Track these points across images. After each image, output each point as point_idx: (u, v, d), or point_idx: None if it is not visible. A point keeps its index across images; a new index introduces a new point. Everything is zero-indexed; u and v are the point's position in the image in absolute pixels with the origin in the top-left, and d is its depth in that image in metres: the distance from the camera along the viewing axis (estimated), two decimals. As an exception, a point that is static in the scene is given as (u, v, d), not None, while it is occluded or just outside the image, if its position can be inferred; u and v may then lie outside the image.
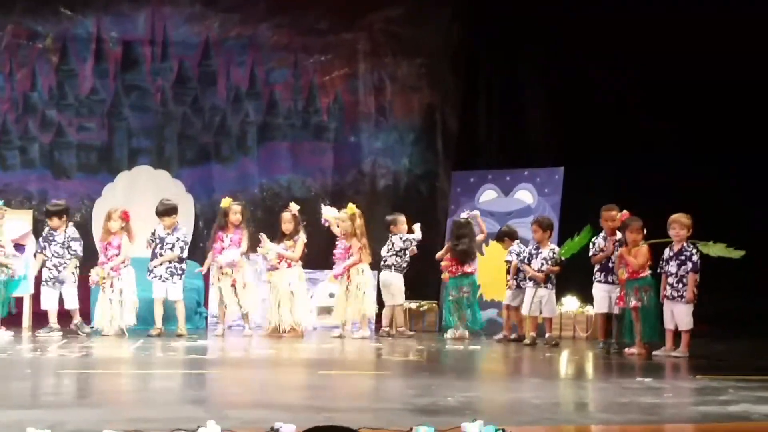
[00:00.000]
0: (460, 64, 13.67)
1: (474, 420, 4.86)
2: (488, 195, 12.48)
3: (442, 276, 11.17)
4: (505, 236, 11.11)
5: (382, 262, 11.24)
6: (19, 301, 11.25)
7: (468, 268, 10.98)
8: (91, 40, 13.10)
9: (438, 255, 11.19)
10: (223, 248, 10.65)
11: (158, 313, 10.60)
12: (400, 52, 13.68)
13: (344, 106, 13.65)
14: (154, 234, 10.71)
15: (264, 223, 12.43)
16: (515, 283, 10.86)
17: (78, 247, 10.46)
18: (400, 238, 11.24)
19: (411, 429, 4.79)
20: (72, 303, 10.46)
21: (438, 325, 12.01)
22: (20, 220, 11.50)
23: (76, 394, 6.68)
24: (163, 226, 10.68)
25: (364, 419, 5.12)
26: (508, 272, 10.97)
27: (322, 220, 10.89)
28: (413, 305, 12.11)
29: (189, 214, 12.84)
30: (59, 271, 10.38)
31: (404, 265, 11.26)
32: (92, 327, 10.38)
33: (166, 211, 10.69)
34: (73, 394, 6.62)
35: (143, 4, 13.20)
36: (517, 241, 11.04)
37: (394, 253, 11.23)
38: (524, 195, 12.26)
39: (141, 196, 12.49)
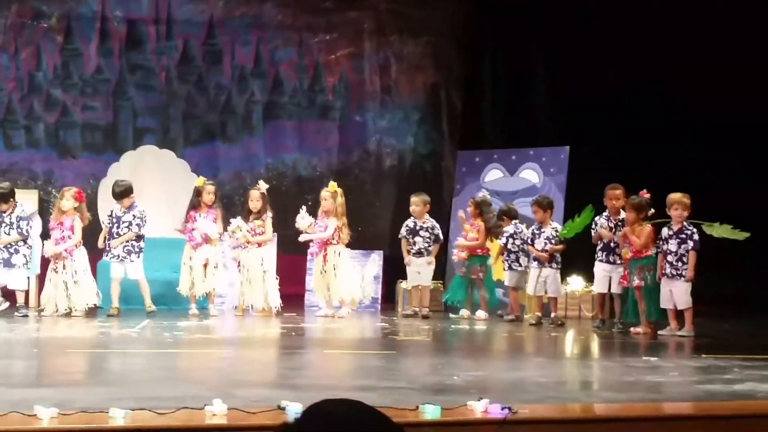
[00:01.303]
0: (466, 43, 13.60)
1: (480, 399, 4.88)
2: (494, 174, 12.45)
3: (460, 254, 11.08)
4: (504, 215, 11.04)
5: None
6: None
7: (487, 248, 11.03)
8: (96, 20, 13.04)
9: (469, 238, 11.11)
10: (194, 228, 10.63)
11: (115, 293, 10.48)
12: (406, 31, 13.61)
13: (350, 85, 13.60)
14: (111, 214, 10.64)
15: (270, 202, 12.41)
16: (507, 265, 10.84)
17: (25, 226, 10.40)
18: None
19: (417, 407, 4.80)
20: (18, 284, 10.37)
21: (444, 304, 11.99)
22: (26, 201, 11.51)
23: (83, 372, 6.71)
24: (121, 206, 10.63)
25: (370, 398, 5.13)
26: (502, 253, 10.94)
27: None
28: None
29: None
30: (10, 254, 10.32)
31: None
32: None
33: (124, 192, 10.61)
34: (79, 373, 6.65)
35: (148, -18, 13.15)
36: (515, 221, 10.95)
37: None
38: (530, 174, 12.23)
39: (146, 176, 12.47)
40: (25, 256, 10.38)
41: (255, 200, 10.80)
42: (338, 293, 10.81)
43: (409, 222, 11.26)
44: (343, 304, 10.82)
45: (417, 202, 11.25)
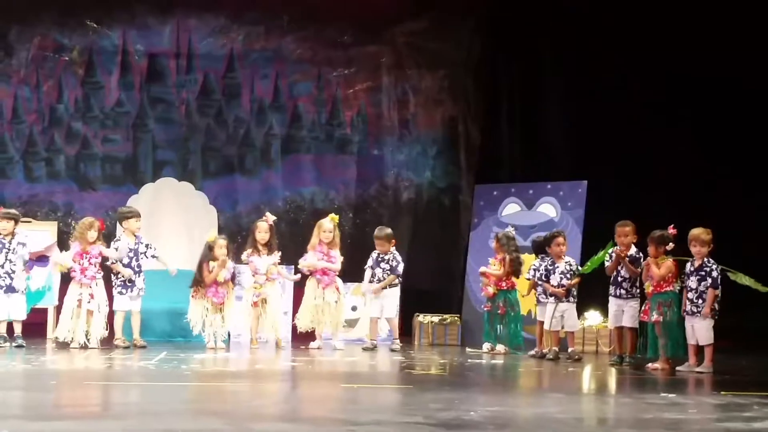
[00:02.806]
0: (483, 76, 13.66)
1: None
2: (511, 208, 12.45)
3: (487, 289, 11.04)
4: (547, 246, 10.94)
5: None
6: (44, 312, 11.32)
7: (512, 282, 11.00)
8: (117, 53, 13.19)
9: (493, 271, 11.06)
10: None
11: (120, 324, 10.54)
12: (424, 65, 13.69)
13: (367, 118, 13.66)
14: (123, 249, 10.60)
15: (287, 235, 12.47)
16: (537, 299, 10.81)
17: (22, 250, 10.44)
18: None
19: (434, 443, 4.79)
20: (18, 314, 10.40)
21: (460, 338, 11.98)
22: (45, 232, 11.59)
23: (99, 405, 6.71)
24: (132, 231, 10.65)
25: (387, 433, 5.13)
26: (534, 287, 10.87)
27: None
28: (435, 318, 12.09)
29: (212, 226, 12.86)
30: (11, 279, 10.33)
31: None
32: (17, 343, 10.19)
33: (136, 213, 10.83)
34: (96, 406, 6.66)
35: (169, 16, 13.27)
36: (542, 255, 10.88)
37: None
38: (547, 208, 12.22)
39: (165, 209, 12.55)
40: (23, 280, 10.45)
41: (263, 232, 10.84)
42: (339, 322, 10.98)
43: (374, 254, 11.20)
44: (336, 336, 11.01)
45: (377, 236, 11.22)
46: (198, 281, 10.58)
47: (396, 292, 11.17)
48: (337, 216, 11.15)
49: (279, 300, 10.91)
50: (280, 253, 10.86)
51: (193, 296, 10.61)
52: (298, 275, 11.09)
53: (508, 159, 13.60)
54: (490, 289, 10.98)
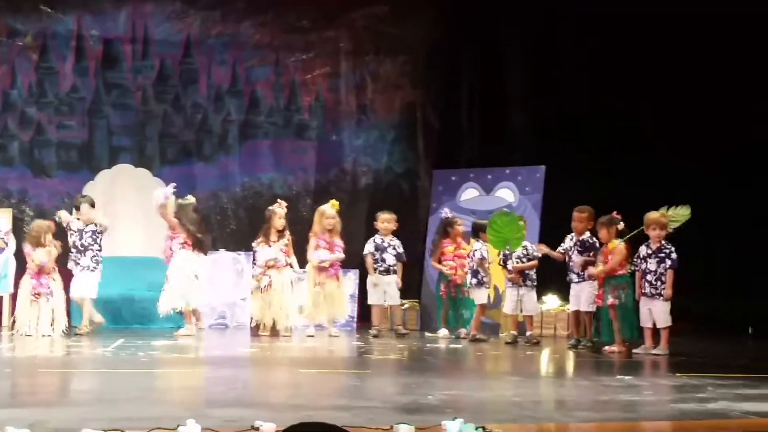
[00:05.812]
0: (442, 62, 13.67)
1: (455, 418, 4.88)
2: (470, 193, 12.50)
3: (446, 273, 11.09)
4: (481, 230, 10.95)
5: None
6: (-2, 300, 11.22)
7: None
8: (72, 38, 13.01)
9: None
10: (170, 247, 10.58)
11: (86, 311, 10.50)
12: (382, 51, 13.66)
13: (326, 104, 13.62)
14: (70, 227, 10.62)
15: (246, 221, 12.41)
16: (476, 281, 10.81)
17: None
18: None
19: (391, 427, 4.80)
20: None
21: (420, 323, 12.01)
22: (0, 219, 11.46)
23: (55, 392, 6.66)
24: (85, 219, 10.62)
25: (344, 417, 5.14)
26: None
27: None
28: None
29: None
30: None
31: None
32: None
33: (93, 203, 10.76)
34: (52, 393, 6.60)
35: (124, 2, 13.11)
36: (478, 239, 10.91)
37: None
38: (506, 193, 12.27)
39: (122, 195, 12.44)
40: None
41: (281, 218, 10.77)
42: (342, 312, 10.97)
43: (376, 239, 11.23)
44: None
45: (390, 220, 11.23)
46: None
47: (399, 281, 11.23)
48: (338, 202, 11.05)
49: (287, 287, 10.77)
50: (286, 241, 10.77)
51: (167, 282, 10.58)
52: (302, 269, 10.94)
53: (466, 144, 13.63)
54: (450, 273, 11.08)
